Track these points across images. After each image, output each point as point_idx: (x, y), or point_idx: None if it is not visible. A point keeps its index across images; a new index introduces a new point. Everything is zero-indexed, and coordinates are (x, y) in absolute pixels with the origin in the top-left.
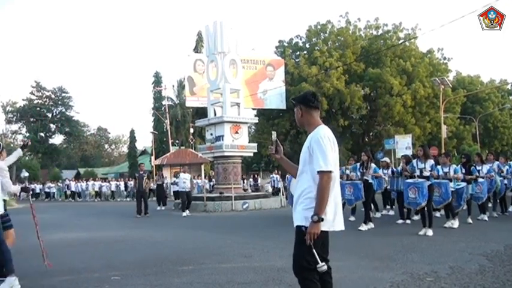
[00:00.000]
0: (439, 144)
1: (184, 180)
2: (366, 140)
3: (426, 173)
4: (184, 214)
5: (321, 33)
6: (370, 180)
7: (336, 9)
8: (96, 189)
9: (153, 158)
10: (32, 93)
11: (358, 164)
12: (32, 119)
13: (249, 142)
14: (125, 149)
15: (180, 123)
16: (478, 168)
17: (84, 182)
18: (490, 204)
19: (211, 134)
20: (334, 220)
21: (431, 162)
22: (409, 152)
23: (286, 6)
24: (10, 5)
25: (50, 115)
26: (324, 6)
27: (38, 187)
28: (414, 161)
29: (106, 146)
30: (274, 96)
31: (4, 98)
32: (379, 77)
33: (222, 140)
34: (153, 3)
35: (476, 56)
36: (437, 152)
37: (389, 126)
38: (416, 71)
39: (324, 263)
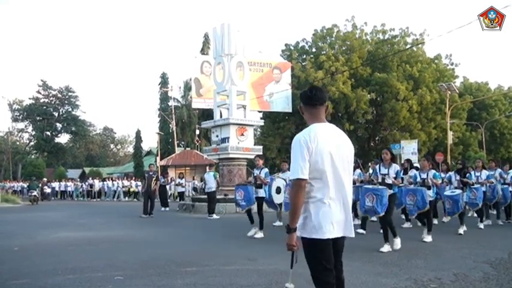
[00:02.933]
0: (444, 150)
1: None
2: (372, 144)
3: (388, 180)
4: (214, 216)
5: (327, 37)
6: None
7: (342, 13)
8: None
9: (158, 158)
10: (38, 92)
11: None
12: (38, 118)
13: (254, 144)
14: (130, 149)
15: (186, 124)
16: (477, 174)
17: (110, 180)
18: (494, 212)
19: (217, 136)
20: (323, 227)
21: (396, 167)
22: (415, 157)
23: (293, 9)
24: (18, 4)
25: (56, 114)
26: (330, 9)
27: (56, 185)
28: (377, 166)
29: (112, 145)
30: (280, 99)
31: (11, 97)
32: (385, 81)
33: (228, 142)
34: (161, 4)
35: (484, 63)
36: (443, 157)
37: (395, 131)
38: (423, 76)
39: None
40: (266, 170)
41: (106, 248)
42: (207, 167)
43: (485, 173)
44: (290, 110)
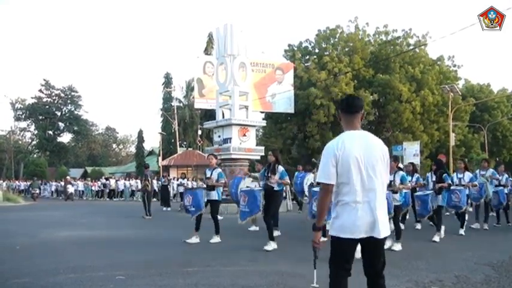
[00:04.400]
0: (447, 152)
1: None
2: None
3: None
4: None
5: (331, 38)
6: (276, 188)
7: (345, 13)
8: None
9: (160, 158)
10: (41, 91)
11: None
12: (40, 117)
13: (256, 145)
14: (132, 149)
15: (188, 124)
16: (459, 176)
17: (127, 179)
18: (494, 214)
19: (219, 136)
20: (348, 228)
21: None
22: (417, 159)
23: (296, 10)
24: (19, 4)
25: (58, 113)
26: (333, 9)
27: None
28: None
29: (114, 145)
30: (283, 100)
31: (13, 96)
32: (388, 83)
33: (230, 142)
34: (164, 4)
35: (486, 64)
36: (446, 159)
37: (398, 132)
38: (426, 78)
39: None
40: (219, 170)
41: (107, 247)
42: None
43: (468, 175)
44: (292, 111)
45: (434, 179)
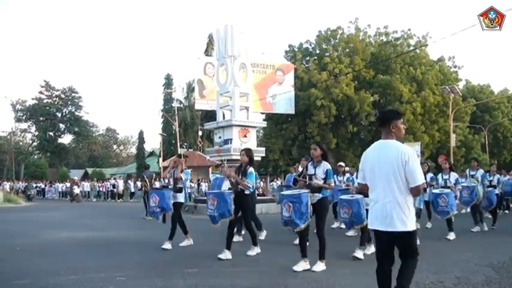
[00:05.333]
0: (447, 153)
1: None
2: None
3: (318, 181)
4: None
5: (331, 39)
6: (247, 191)
7: (346, 14)
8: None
9: (161, 159)
10: (41, 92)
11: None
12: (41, 118)
13: (257, 146)
14: (133, 150)
15: (189, 125)
16: (444, 177)
17: (136, 181)
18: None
19: (220, 137)
20: (370, 220)
21: (325, 166)
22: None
23: (297, 11)
24: (19, 4)
25: (59, 114)
26: (334, 10)
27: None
28: (309, 165)
29: (114, 146)
30: (283, 100)
31: (14, 97)
32: (388, 84)
33: (230, 143)
34: (165, 5)
35: (487, 65)
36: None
37: None
38: (426, 78)
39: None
40: (188, 170)
41: (108, 248)
42: (210, 169)
43: (454, 176)
44: (293, 112)
45: None
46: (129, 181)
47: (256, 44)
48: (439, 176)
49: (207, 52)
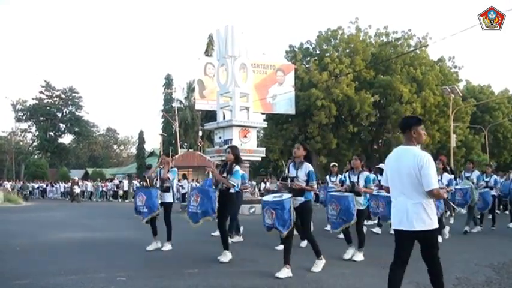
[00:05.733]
0: (447, 153)
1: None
2: (375, 147)
3: (300, 183)
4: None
5: (331, 39)
6: (232, 190)
7: (346, 15)
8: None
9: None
10: (41, 92)
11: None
12: (41, 118)
13: (257, 146)
14: (133, 150)
15: (189, 125)
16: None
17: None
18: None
19: (220, 138)
20: (392, 221)
21: (307, 167)
22: None
23: (297, 11)
24: (21, 3)
25: (59, 114)
26: (334, 11)
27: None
28: (290, 166)
29: (115, 146)
30: (284, 101)
31: (14, 97)
32: (389, 84)
33: (230, 143)
34: (165, 5)
35: (486, 65)
36: (446, 160)
37: (399, 133)
38: (427, 79)
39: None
40: (175, 169)
41: (108, 248)
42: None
43: (446, 177)
44: (293, 112)
45: None
46: (134, 181)
47: (256, 44)
48: None
49: (207, 52)
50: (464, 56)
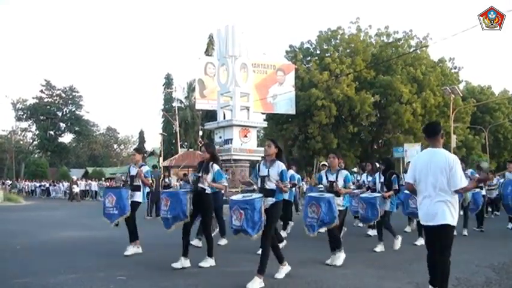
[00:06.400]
0: None
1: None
2: (375, 147)
3: (270, 184)
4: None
5: (332, 39)
6: (209, 191)
7: (347, 14)
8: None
9: (161, 159)
10: (42, 91)
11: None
12: (41, 117)
13: (257, 146)
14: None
15: (189, 125)
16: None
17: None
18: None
19: (220, 137)
20: (420, 216)
21: (279, 166)
22: None
23: (297, 10)
24: (21, 4)
25: (60, 114)
26: (334, 11)
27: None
28: (261, 165)
29: (115, 146)
30: (284, 101)
31: (14, 96)
32: (389, 84)
33: (231, 143)
34: (166, 5)
35: (486, 66)
36: None
37: (399, 134)
38: (427, 79)
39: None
40: (147, 167)
41: (108, 247)
42: None
43: None
44: (293, 112)
45: (382, 180)
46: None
47: (257, 44)
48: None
49: (208, 52)
50: (465, 56)
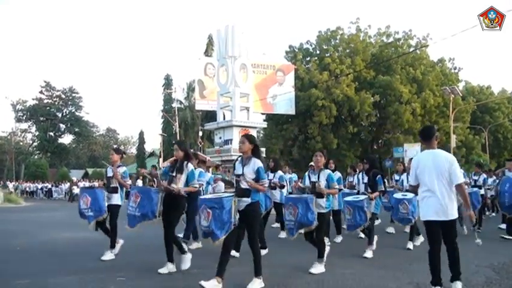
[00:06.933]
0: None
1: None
2: (375, 147)
3: (246, 184)
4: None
5: (332, 40)
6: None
7: (346, 15)
8: None
9: (161, 160)
10: (41, 92)
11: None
12: (41, 118)
13: None
14: (133, 150)
15: (189, 126)
16: (402, 177)
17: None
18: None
19: (220, 138)
20: (423, 213)
21: (255, 164)
22: None
23: (297, 11)
24: (21, 3)
25: (59, 115)
26: (334, 11)
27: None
28: (237, 163)
29: (115, 146)
30: (284, 101)
31: (14, 97)
32: (389, 84)
33: (231, 143)
34: (165, 6)
35: (486, 66)
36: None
37: (399, 134)
38: (427, 79)
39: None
40: (124, 168)
41: (108, 248)
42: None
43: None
44: (293, 112)
45: (366, 180)
46: (138, 180)
47: (256, 44)
48: (403, 176)
49: (207, 53)
50: (464, 56)
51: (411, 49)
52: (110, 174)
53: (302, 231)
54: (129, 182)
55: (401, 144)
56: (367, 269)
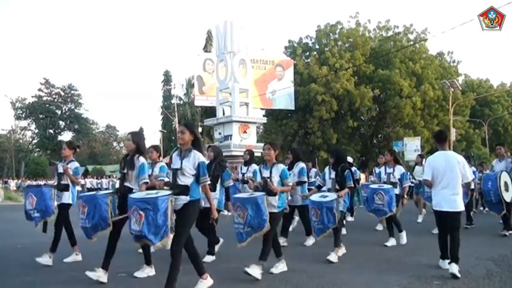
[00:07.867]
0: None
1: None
2: (375, 141)
3: (184, 179)
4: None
5: (331, 34)
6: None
7: (346, 9)
8: None
9: (161, 157)
10: (41, 90)
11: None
12: (41, 116)
13: (257, 142)
14: None
15: (189, 122)
16: (388, 170)
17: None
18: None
19: (220, 133)
20: (435, 204)
21: (196, 158)
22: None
23: (296, 6)
24: (21, 3)
25: (59, 112)
26: (333, 5)
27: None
28: (174, 155)
29: (114, 143)
30: (283, 96)
31: (13, 95)
32: (388, 78)
33: (230, 139)
34: (164, 2)
35: (485, 60)
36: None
37: (399, 128)
38: (426, 73)
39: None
40: (76, 164)
41: None
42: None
43: (399, 170)
44: (293, 108)
45: (333, 176)
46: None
47: (255, 39)
48: (382, 169)
49: (206, 48)
50: (463, 50)
51: (410, 43)
52: (60, 170)
53: (256, 235)
54: (82, 181)
55: (402, 138)
56: (368, 262)
